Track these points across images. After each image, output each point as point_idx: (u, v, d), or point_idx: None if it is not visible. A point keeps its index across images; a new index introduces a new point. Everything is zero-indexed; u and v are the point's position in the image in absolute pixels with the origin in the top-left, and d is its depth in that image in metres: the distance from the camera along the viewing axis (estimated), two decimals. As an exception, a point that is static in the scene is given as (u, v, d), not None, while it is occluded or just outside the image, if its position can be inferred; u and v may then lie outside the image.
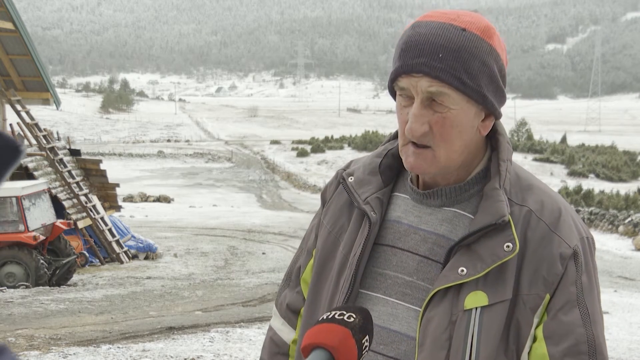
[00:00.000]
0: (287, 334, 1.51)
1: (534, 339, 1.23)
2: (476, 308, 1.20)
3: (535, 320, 1.22)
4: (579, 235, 1.26)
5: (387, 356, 1.27)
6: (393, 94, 1.28)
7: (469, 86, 1.19)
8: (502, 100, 1.26)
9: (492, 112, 1.26)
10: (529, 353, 1.23)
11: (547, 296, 1.22)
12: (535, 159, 53.48)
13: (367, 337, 1.11)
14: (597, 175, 48.64)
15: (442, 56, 1.17)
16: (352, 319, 1.09)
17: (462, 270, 1.21)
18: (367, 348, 1.12)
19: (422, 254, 1.28)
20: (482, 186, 1.29)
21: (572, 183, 40.93)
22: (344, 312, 1.10)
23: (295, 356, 1.49)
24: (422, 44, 1.19)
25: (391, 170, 1.37)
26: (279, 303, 1.54)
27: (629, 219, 25.37)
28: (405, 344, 1.26)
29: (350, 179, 1.39)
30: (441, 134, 1.21)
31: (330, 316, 1.11)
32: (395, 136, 1.42)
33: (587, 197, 32.79)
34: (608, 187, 40.30)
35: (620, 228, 25.26)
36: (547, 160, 53.12)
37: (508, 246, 1.21)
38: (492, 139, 1.32)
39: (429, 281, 1.26)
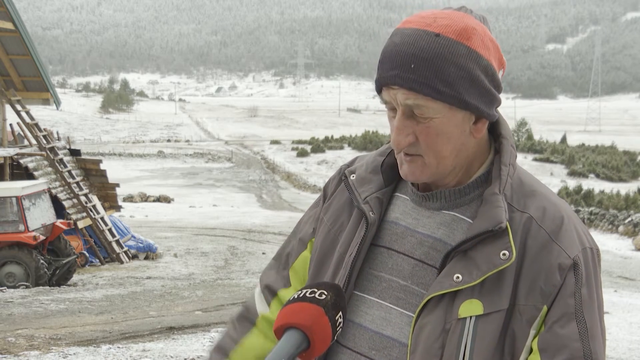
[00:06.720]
0: (260, 305, 1.46)
1: (530, 351, 1.18)
2: (471, 317, 1.16)
3: (532, 332, 1.17)
4: (581, 245, 1.20)
5: None
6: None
7: (447, 94, 1.15)
8: (491, 102, 1.20)
9: (482, 116, 1.21)
10: None
11: (545, 308, 1.17)
12: (535, 159, 53.52)
13: (340, 313, 1.07)
14: (597, 175, 48.66)
15: (414, 67, 1.13)
16: (323, 297, 1.06)
17: (458, 277, 1.17)
18: (341, 325, 1.08)
19: (417, 258, 1.24)
20: (484, 190, 1.24)
21: (572, 183, 40.94)
22: (315, 290, 1.06)
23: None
24: (394, 54, 1.16)
25: (393, 170, 1.33)
26: (262, 278, 1.50)
27: (629, 219, 25.39)
28: (397, 350, 1.22)
29: (352, 177, 1.36)
30: (427, 143, 1.18)
31: (301, 295, 1.07)
32: None
33: (587, 197, 32.82)
34: (608, 187, 40.32)
35: (620, 228, 25.28)
36: (547, 160, 53.15)
37: (504, 254, 1.16)
38: (497, 142, 1.28)
39: (424, 286, 1.22)
